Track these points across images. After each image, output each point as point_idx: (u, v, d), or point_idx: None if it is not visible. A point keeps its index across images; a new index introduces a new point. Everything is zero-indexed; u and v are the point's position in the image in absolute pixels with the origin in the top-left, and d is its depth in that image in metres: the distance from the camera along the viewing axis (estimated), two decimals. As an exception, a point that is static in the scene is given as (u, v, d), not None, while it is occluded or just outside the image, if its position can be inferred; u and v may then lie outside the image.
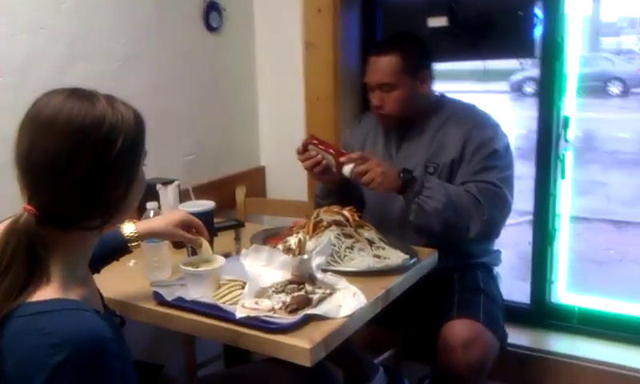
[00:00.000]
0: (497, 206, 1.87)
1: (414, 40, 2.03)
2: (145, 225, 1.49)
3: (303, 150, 1.95)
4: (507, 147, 1.96)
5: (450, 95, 2.11)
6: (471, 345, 1.73)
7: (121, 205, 1.06)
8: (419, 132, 2.02)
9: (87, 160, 0.98)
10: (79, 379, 0.89)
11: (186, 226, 1.51)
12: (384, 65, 1.96)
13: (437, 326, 1.82)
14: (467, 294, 1.89)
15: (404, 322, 2.05)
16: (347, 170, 1.86)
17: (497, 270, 2.14)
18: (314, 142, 1.94)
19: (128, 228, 1.46)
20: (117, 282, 1.54)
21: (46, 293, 0.96)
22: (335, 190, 2.05)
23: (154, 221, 1.53)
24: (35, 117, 1.00)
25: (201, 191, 2.05)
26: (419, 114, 2.02)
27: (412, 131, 2.03)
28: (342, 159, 1.87)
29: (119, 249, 1.46)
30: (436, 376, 1.99)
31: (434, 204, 1.81)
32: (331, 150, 1.92)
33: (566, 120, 2.26)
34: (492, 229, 1.91)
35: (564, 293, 2.38)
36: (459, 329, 1.76)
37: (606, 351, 2.22)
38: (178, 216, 1.51)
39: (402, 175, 1.83)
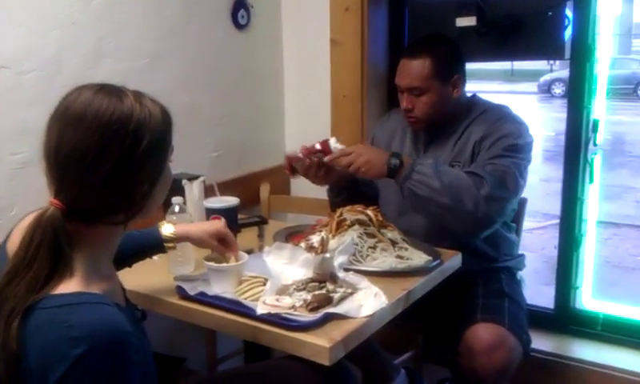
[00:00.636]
0: (505, 183, 1.78)
1: (447, 43, 1.99)
2: (182, 228, 1.53)
3: (292, 171, 1.93)
4: (529, 145, 1.92)
5: (481, 96, 2.09)
6: (495, 350, 1.72)
7: (146, 201, 1.07)
8: (448, 134, 1.99)
9: (114, 156, 0.99)
10: (99, 371, 0.90)
11: (220, 237, 1.53)
12: (415, 68, 1.92)
13: (459, 329, 1.81)
14: (491, 298, 1.87)
15: (425, 323, 2.04)
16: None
17: (520, 274, 2.12)
18: (298, 157, 1.90)
19: (167, 229, 1.50)
20: (141, 275, 1.55)
21: (69, 286, 0.97)
22: (344, 186, 2.04)
23: (191, 226, 1.57)
24: (64, 112, 1.02)
25: (225, 187, 2.05)
26: (450, 117, 1.99)
27: (441, 134, 2.00)
28: (325, 159, 1.86)
29: (155, 247, 1.50)
30: (456, 380, 1.98)
31: (425, 188, 1.75)
32: (317, 146, 1.90)
33: (596, 123, 2.22)
34: (495, 206, 1.77)
35: (589, 299, 2.34)
36: (483, 333, 1.74)
37: (630, 359, 2.18)
38: (215, 227, 1.54)
39: (390, 161, 1.79)
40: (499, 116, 1.94)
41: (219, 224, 1.56)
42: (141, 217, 1.10)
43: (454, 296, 1.92)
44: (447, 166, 1.86)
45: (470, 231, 1.85)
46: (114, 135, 0.99)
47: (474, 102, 2.03)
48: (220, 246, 1.53)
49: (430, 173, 1.75)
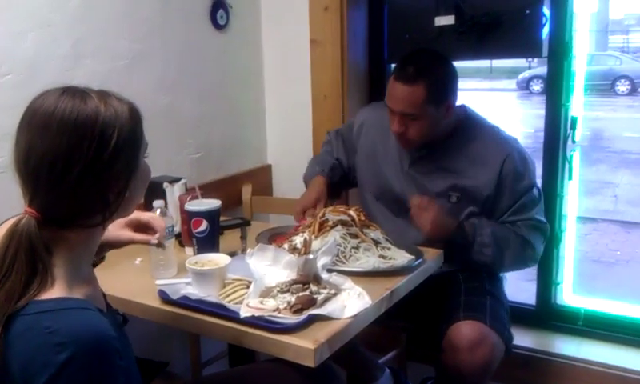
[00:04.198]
0: (543, 241, 1.97)
1: (442, 64, 1.93)
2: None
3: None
4: (534, 170, 1.98)
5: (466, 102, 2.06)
6: (477, 346, 1.73)
7: (121, 199, 1.06)
8: (437, 151, 1.98)
9: (83, 159, 0.98)
10: (84, 376, 0.90)
11: (134, 225, 1.41)
12: (408, 95, 1.85)
13: (442, 326, 1.82)
14: (473, 296, 1.89)
15: (408, 322, 2.05)
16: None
17: (502, 270, 2.14)
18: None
19: None
20: (123, 279, 1.54)
21: (52, 292, 0.96)
22: None
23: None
24: (30, 120, 1.01)
25: (207, 189, 2.04)
26: (438, 136, 1.97)
27: (428, 153, 1.99)
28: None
29: None
30: (440, 377, 1.99)
31: (485, 257, 1.90)
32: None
33: (574, 120, 2.25)
34: (535, 261, 2.01)
35: (570, 295, 2.37)
36: (465, 330, 1.75)
37: (611, 354, 2.21)
38: (124, 219, 1.38)
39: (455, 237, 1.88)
40: (502, 152, 1.91)
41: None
42: (119, 216, 1.09)
43: (437, 294, 1.93)
44: (501, 230, 1.91)
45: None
46: (80, 139, 0.98)
47: (464, 119, 2.00)
48: (137, 236, 1.40)
49: (490, 242, 1.88)
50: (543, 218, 1.96)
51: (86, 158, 0.98)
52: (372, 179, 2.11)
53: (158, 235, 1.41)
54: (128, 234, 1.39)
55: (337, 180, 2.16)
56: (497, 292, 1.96)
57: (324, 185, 2.07)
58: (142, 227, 1.41)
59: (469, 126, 1.99)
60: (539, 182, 2.29)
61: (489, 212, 1.94)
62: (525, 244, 1.91)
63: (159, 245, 1.46)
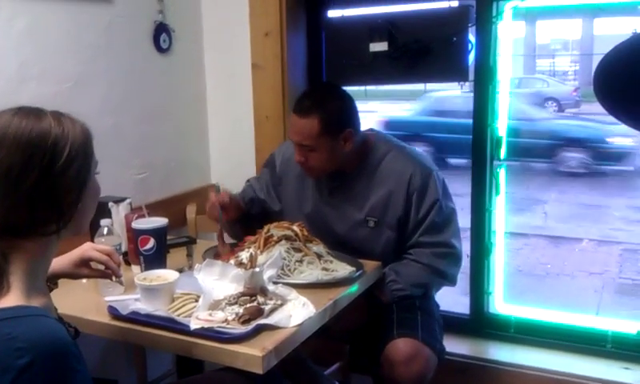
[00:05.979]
0: (455, 264, 2.03)
1: (337, 98, 1.99)
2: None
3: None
4: (445, 187, 2.03)
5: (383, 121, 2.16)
6: (412, 361, 1.83)
7: (74, 210, 1.10)
8: (351, 182, 2.04)
9: (37, 169, 1.04)
10: (44, 380, 0.94)
11: (86, 263, 1.49)
12: (303, 127, 1.92)
13: (379, 342, 1.90)
14: (405, 313, 1.96)
15: (348, 336, 2.12)
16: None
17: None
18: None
19: None
20: (71, 298, 1.56)
21: (9, 300, 1.00)
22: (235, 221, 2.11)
23: (57, 261, 1.42)
24: None
25: (151, 209, 2.06)
26: (348, 164, 2.02)
27: (344, 181, 2.05)
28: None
29: None
30: (378, 387, 2.08)
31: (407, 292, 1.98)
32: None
33: (499, 140, 2.39)
34: (453, 283, 2.07)
35: (501, 303, 2.49)
36: (401, 347, 1.84)
37: (541, 358, 2.33)
38: (78, 255, 1.48)
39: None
40: (410, 170, 1.98)
41: (82, 247, 1.50)
42: (72, 228, 1.13)
43: (372, 310, 1.99)
44: (407, 267, 1.99)
45: None
46: (34, 151, 1.04)
47: (372, 142, 2.06)
48: (92, 273, 1.51)
49: (404, 286, 1.97)
50: (455, 242, 2.00)
51: (40, 168, 1.04)
52: (298, 209, 2.15)
53: (119, 275, 1.54)
54: (85, 271, 1.50)
55: (255, 212, 2.18)
56: (426, 306, 2.04)
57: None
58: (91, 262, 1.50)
59: (378, 149, 2.05)
60: (467, 200, 2.43)
61: (403, 234, 2.00)
62: (440, 274, 2.00)
63: (119, 281, 1.56)
